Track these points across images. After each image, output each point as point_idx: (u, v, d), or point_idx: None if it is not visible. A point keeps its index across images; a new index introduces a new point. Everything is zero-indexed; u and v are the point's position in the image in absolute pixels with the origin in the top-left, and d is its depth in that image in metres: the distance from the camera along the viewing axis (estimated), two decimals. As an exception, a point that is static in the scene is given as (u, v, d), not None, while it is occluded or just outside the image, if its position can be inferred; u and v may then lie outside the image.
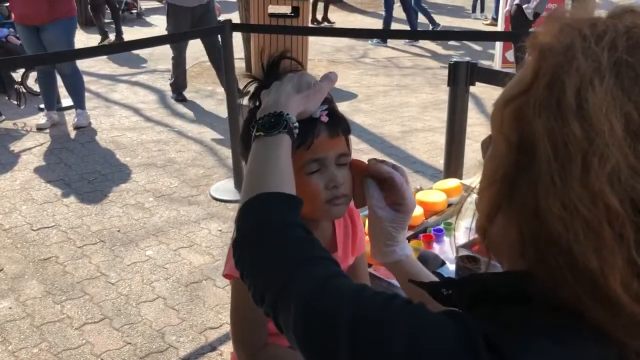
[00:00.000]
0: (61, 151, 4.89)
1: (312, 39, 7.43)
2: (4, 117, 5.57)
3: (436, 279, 0.98)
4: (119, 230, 3.58)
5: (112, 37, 9.32)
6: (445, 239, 1.89)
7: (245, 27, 6.13)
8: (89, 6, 9.66)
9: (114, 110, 6.00)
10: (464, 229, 1.63)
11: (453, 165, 2.75)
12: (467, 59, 2.67)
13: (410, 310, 0.63)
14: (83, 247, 3.39)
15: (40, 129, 5.33)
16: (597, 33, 0.57)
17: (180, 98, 6.22)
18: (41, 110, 5.59)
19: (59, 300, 2.90)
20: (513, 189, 0.61)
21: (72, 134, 5.33)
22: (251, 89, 1.11)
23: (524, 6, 6.28)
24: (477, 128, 4.53)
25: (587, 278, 0.55)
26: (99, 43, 8.82)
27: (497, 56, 7.46)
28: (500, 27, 7.73)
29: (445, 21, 10.72)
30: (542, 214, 0.57)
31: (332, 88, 1.03)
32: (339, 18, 11.31)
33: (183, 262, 3.23)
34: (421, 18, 9.78)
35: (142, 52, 8.02)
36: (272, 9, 6.68)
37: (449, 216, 2.02)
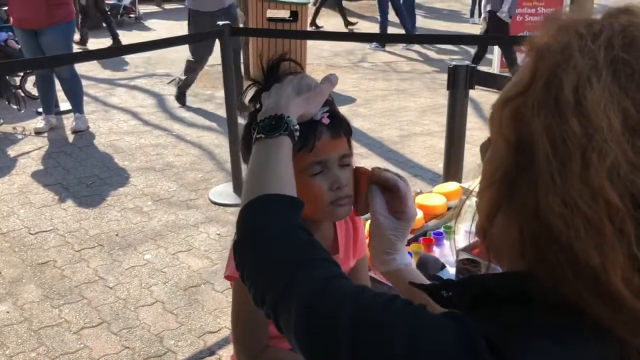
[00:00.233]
0: (59, 155, 4.88)
1: (310, 43, 7.44)
2: (2, 121, 5.56)
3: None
4: (117, 234, 3.58)
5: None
6: (445, 242, 1.89)
7: (244, 32, 6.13)
8: (80, 12, 9.63)
9: (112, 114, 5.99)
10: (464, 232, 1.63)
11: (453, 168, 2.75)
12: (467, 62, 2.68)
13: (410, 312, 0.63)
14: (81, 251, 3.38)
15: (38, 132, 5.33)
16: (594, 32, 0.58)
17: (182, 101, 6.19)
18: (39, 114, 5.59)
19: (57, 304, 2.90)
20: (513, 189, 0.61)
21: (71, 137, 5.32)
22: (250, 92, 1.12)
23: (497, 12, 6.70)
24: (476, 132, 4.53)
25: (588, 274, 0.55)
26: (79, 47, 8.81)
27: (495, 60, 7.49)
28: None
29: (442, 26, 10.76)
30: (543, 212, 0.57)
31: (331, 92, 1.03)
32: (338, 23, 11.34)
33: (181, 266, 3.23)
34: (420, 21, 9.79)
35: (141, 56, 8.03)
36: (271, 13, 6.69)
37: (448, 219, 2.02)
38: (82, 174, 4.50)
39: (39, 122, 5.43)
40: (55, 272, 3.18)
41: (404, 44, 9.18)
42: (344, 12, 11.31)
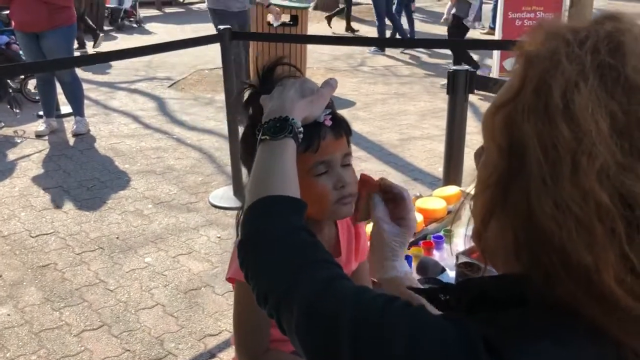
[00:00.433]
0: (60, 158, 4.89)
1: (310, 47, 7.46)
2: (2, 124, 5.57)
3: None
4: (117, 237, 3.58)
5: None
6: (445, 245, 1.90)
7: (244, 36, 6.15)
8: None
9: (113, 118, 6.01)
10: (463, 236, 1.64)
11: (452, 172, 2.76)
12: (466, 67, 2.70)
13: (410, 313, 0.64)
14: (82, 254, 3.39)
15: (39, 135, 5.33)
16: (580, 38, 0.60)
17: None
18: (40, 117, 5.60)
19: (58, 307, 2.90)
20: (506, 193, 0.62)
21: (71, 141, 5.33)
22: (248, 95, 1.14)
23: (463, 20, 7.12)
24: (476, 136, 4.53)
25: (581, 275, 0.56)
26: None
27: (495, 65, 7.50)
28: (497, 35, 7.77)
29: (441, 30, 10.76)
30: (535, 215, 0.58)
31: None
32: (339, 27, 11.37)
33: (182, 269, 3.23)
34: (418, 25, 9.81)
35: (141, 60, 8.04)
36: (272, 17, 6.71)
37: (448, 223, 2.03)
38: (83, 177, 4.51)
39: (39, 125, 5.44)
40: (56, 274, 3.18)
41: (403, 49, 9.20)
42: (349, 17, 11.33)
